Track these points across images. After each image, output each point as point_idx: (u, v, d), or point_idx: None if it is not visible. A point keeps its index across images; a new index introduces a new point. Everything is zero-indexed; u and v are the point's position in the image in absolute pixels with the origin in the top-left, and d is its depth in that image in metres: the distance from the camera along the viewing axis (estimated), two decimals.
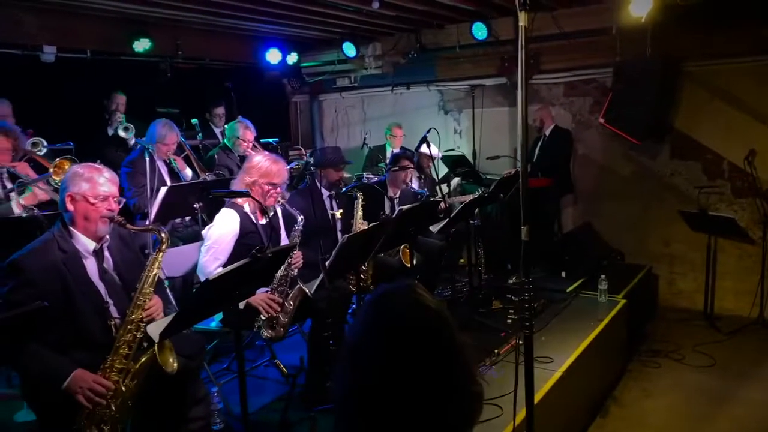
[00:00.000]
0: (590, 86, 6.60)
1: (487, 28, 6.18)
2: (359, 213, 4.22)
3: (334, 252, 3.05)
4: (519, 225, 2.63)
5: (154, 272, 2.63)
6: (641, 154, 6.29)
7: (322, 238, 3.58)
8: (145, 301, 2.59)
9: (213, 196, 3.63)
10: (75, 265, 2.56)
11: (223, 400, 3.32)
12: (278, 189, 3.52)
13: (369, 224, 3.91)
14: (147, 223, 4.14)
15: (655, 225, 6.27)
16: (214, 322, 3.49)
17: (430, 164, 5.91)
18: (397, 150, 6.17)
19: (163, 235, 2.70)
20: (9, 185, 3.74)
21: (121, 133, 5.46)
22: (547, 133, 6.43)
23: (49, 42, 5.49)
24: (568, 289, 5.31)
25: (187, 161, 5.05)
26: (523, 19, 2.52)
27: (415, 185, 5.40)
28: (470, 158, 6.92)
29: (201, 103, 6.78)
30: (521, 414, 2.99)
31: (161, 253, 2.64)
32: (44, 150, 4.57)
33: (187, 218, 4.63)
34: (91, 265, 2.65)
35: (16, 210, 3.61)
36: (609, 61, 6.07)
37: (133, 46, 5.91)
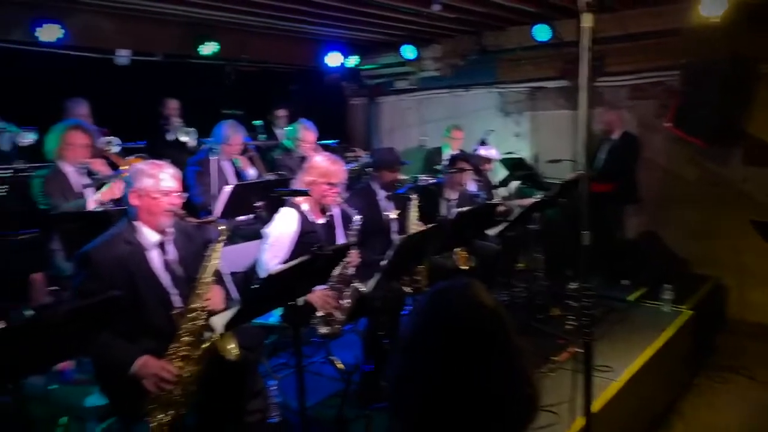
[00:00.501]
0: (656, 89, 6.37)
1: (550, 30, 6.09)
2: (414, 214, 4.22)
3: (390, 252, 3.07)
4: (580, 230, 2.58)
5: (213, 263, 2.72)
6: (709, 159, 6.03)
7: (377, 238, 3.61)
8: (205, 291, 2.68)
9: (274, 194, 3.72)
10: (139, 258, 2.68)
11: (281, 394, 3.40)
12: (336, 189, 3.57)
13: (424, 226, 3.92)
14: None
15: (724, 234, 5.99)
16: (274, 317, 3.57)
17: (489, 167, 5.86)
18: (455, 152, 6.15)
19: (221, 227, 2.79)
20: (85, 181, 3.95)
21: (182, 138, 5.67)
22: (616, 137, 6.25)
23: (124, 46, 5.76)
24: (630, 298, 5.16)
25: (251, 161, 5.20)
26: (587, 20, 2.48)
27: (472, 188, 5.37)
28: (530, 161, 6.81)
29: (264, 105, 6.96)
30: (578, 422, 2.93)
31: (220, 245, 2.73)
32: (117, 148, 4.81)
33: (250, 216, 4.77)
34: (155, 258, 2.76)
35: (91, 205, 3.81)
36: (676, 62, 5.86)
37: (201, 49, 6.13)
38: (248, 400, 3.20)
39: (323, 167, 3.54)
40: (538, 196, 5.05)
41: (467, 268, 4.45)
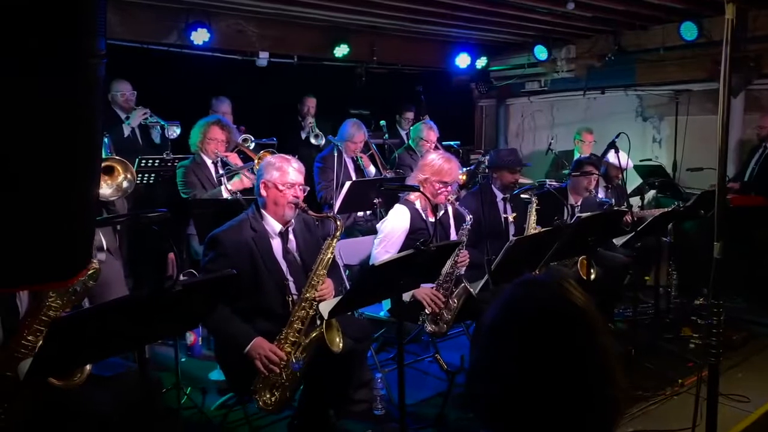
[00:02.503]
0: None
1: (698, 28, 5.62)
2: (533, 218, 4.08)
3: (500, 254, 3.00)
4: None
5: (328, 256, 2.83)
6: None
7: (492, 240, 3.54)
8: (318, 282, 2.79)
9: (385, 188, 3.78)
10: (263, 243, 2.87)
11: (387, 387, 3.44)
12: (449, 188, 3.55)
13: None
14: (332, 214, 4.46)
15: None
16: (383, 312, 3.63)
17: (620, 174, 5.51)
18: (584, 156, 5.86)
19: (338, 222, 2.89)
20: (221, 171, 4.27)
21: (313, 141, 5.96)
22: None
23: (265, 48, 6.13)
24: None
25: (372, 159, 5.32)
26: (730, 11, 2.26)
27: (601, 194, 5.09)
28: (669, 169, 6.33)
29: (391, 105, 7.08)
30: None
31: (335, 239, 2.83)
32: (252, 144, 5.14)
33: (368, 213, 4.88)
34: (276, 245, 2.93)
35: (225, 194, 4.11)
36: None
37: (334, 51, 6.37)
38: (355, 389, 3.29)
39: (437, 165, 3.54)
40: (674, 206, 4.66)
41: (589, 278, 4.23)
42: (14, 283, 1.11)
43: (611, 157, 4.85)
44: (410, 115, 6.90)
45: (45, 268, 1.08)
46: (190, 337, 4.24)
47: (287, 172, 2.93)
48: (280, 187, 2.91)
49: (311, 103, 6.28)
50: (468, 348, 3.69)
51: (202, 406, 3.41)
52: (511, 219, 4.05)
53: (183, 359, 3.94)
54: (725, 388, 3.12)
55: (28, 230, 1.00)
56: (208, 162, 4.48)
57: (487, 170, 4.28)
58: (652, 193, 6.25)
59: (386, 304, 3.60)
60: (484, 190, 4.14)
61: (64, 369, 1.85)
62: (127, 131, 4.96)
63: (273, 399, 2.69)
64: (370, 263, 3.59)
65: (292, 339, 2.74)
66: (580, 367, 0.97)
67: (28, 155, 0.93)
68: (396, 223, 3.53)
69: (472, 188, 4.60)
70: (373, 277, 2.30)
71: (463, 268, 3.49)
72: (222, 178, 4.15)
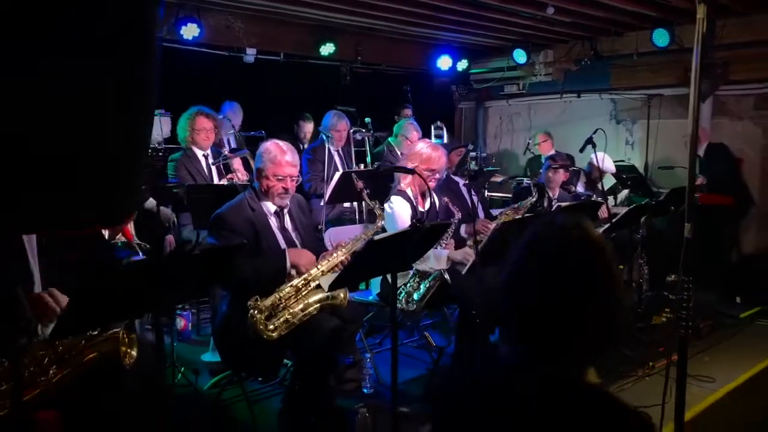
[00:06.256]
0: None
1: (670, 35, 5.90)
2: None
3: (487, 236, 3.17)
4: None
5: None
6: None
7: (467, 223, 3.74)
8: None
9: (383, 170, 3.92)
10: (263, 220, 3.04)
11: (375, 367, 3.59)
12: (437, 175, 3.69)
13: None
14: (321, 204, 4.60)
15: None
16: (372, 296, 3.78)
17: (603, 175, 5.71)
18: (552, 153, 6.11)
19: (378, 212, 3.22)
20: (212, 160, 4.38)
21: None
22: (701, 153, 5.92)
23: (253, 45, 6.24)
24: (742, 315, 4.88)
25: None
26: (701, 11, 2.45)
27: (580, 189, 5.30)
28: (641, 171, 6.60)
29: (376, 105, 7.23)
30: (668, 429, 2.86)
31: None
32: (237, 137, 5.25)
33: (354, 204, 5.04)
34: (274, 223, 3.10)
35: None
36: None
37: (320, 50, 6.50)
38: (345, 369, 3.43)
39: (425, 154, 3.68)
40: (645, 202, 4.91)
41: None
42: (69, 223, 1.21)
43: (594, 161, 5.11)
44: (408, 112, 7.02)
45: (101, 208, 1.19)
46: (180, 323, 4.33)
47: (280, 164, 3.04)
48: (271, 178, 3.04)
49: (308, 128, 6.34)
50: (453, 332, 3.85)
51: (195, 384, 3.51)
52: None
53: (175, 343, 4.02)
54: (693, 370, 3.33)
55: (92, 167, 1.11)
56: (199, 154, 4.54)
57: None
58: (624, 192, 6.51)
59: (375, 288, 3.75)
60: (449, 180, 4.31)
61: (88, 329, 1.95)
62: None
63: (270, 325, 2.75)
64: None
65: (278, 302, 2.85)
66: (598, 293, 1.13)
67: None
68: (401, 210, 3.63)
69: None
70: (373, 252, 2.44)
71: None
72: (214, 166, 4.26)
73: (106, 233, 3.08)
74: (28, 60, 1.00)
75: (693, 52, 2.57)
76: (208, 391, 3.51)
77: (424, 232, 2.49)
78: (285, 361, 3.40)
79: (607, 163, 5.73)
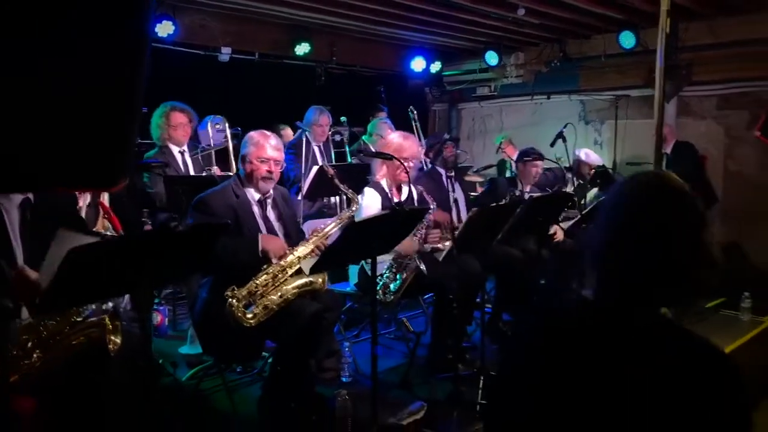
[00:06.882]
0: (747, 99, 6.22)
1: (636, 38, 6.10)
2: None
3: (462, 224, 3.25)
4: None
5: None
6: None
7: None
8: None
9: (363, 153, 3.98)
10: (246, 207, 3.07)
11: (353, 357, 3.63)
12: (410, 163, 3.72)
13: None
14: (299, 198, 4.64)
15: None
16: (350, 287, 3.83)
17: (591, 171, 5.84)
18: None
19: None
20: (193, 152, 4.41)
21: None
22: (669, 150, 6.13)
23: (228, 44, 6.25)
24: (708, 305, 5.04)
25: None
26: (664, 23, 2.57)
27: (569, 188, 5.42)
28: (610, 170, 6.77)
29: (350, 106, 7.28)
30: None
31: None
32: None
33: (333, 199, 5.08)
34: (257, 211, 3.13)
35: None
36: None
37: (295, 50, 6.54)
38: (324, 357, 3.47)
39: (396, 143, 3.74)
40: None
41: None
42: (72, 182, 1.23)
43: (582, 156, 5.26)
44: (382, 113, 7.07)
45: (97, 171, 1.22)
46: (157, 318, 4.31)
47: (264, 148, 3.09)
48: (255, 161, 3.08)
49: (287, 133, 6.33)
50: (430, 320, 3.92)
51: (174, 374, 3.51)
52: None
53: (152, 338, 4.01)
54: None
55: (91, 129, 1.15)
56: (175, 151, 4.52)
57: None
58: (594, 191, 6.68)
59: (353, 278, 3.80)
60: (432, 171, 4.38)
61: (74, 303, 1.95)
62: None
63: (248, 313, 2.77)
64: None
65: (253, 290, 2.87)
66: (691, 241, 1.22)
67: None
68: (370, 202, 3.67)
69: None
70: (354, 234, 2.49)
71: (431, 247, 3.72)
72: (195, 157, 4.27)
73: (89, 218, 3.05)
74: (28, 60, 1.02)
75: (657, 53, 2.68)
76: (187, 382, 3.51)
77: (403, 216, 2.55)
78: (264, 354, 3.44)
79: (593, 156, 5.90)
